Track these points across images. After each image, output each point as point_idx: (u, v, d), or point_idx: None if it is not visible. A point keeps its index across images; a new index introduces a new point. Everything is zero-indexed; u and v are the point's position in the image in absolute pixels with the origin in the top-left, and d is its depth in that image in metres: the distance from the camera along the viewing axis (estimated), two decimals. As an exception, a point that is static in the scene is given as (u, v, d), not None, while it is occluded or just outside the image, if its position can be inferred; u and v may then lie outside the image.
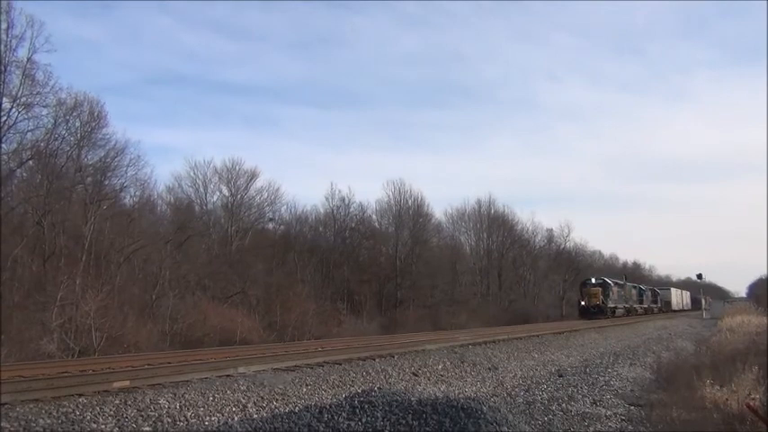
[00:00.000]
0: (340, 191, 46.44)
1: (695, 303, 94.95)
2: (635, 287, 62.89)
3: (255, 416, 8.88)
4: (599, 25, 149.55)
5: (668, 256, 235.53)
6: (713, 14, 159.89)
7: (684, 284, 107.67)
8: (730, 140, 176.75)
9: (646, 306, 64.49)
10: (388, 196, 49.68)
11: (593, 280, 50.60)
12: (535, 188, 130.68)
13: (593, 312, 46.53)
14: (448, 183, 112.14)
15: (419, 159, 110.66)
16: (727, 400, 11.31)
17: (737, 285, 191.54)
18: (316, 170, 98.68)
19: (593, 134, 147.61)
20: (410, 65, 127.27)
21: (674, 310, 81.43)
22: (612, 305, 50.09)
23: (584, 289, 49.60)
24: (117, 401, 8.72)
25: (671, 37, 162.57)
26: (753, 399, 10.81)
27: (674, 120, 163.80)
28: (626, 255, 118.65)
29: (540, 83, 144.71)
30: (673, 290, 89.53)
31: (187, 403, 9.05)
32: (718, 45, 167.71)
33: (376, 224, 49.68)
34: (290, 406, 9.55)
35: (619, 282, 56.76)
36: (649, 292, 70.34)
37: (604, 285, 49.68)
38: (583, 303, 48.33)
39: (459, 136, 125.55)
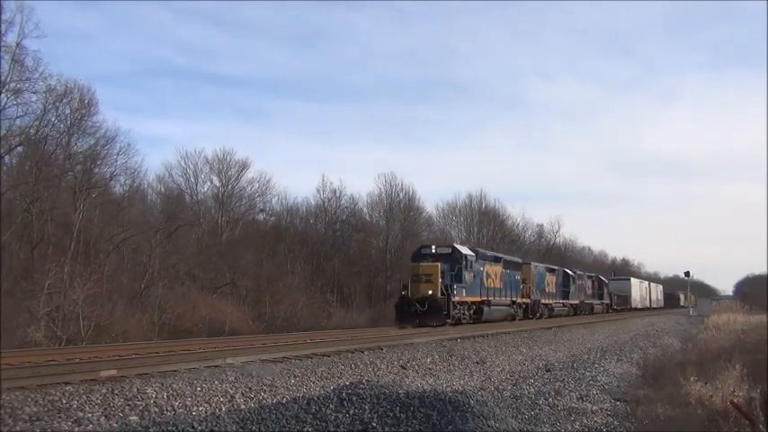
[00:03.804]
0: (331, 183, 46.39)
1: (669, 300, 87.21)
2: (552, 270, 41.44)
3: (243, 406, 8.88)
4: (589, 25, 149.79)
5: (657, 253, 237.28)
6: (702, 17, 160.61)
7: (672, 282, 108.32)
8: (718, 141, 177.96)
9: (576, 303, 45.05)
10: (380, 189, 49.63)
11: (434, 249, 26.95)
12: (526, 184, 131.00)
13: (423, 313, 24.41)
14: (439, 177, 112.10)
15: (411, 154, 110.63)
16: (711, 396, 11.44)
17: (725, 284, 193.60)
18: (307, 162, 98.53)
19: (584, 132, 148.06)
20: (403, 60, 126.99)
21: (637, 308, 65.02)
22: (472, 298, 27.34)
23: (412, 265, 26.58)
24: (104, 390, 8.69)
25: (660, 38, 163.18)
26: (737, 396, 10.92)
27: (663, 119, 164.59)
28: (615, 252, 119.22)
29: (531, 80, 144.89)
30: (634, 281, 70.57)
31: (174, 393, 9.04)
32: (707, 47, 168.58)
33: (367, 217, 49.68)
34: (278, 397, 9.55)
35: (505, 257, 33.52)
36: (589, 281, 51.56)
37: (451, 258, 26.40)
38: (403, 293, 25.46)
39: (452, 131, 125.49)
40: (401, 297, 25.44)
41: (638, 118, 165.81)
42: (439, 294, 24.63)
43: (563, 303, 42.37)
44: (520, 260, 36.70)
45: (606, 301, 55.63)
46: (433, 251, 26.74)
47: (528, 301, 34.79)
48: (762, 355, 16.29)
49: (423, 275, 25.18)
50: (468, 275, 26.94)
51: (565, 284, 43.23)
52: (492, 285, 29.76)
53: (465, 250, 28.00)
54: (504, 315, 31.11)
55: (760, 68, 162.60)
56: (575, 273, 46.27)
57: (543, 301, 37.97)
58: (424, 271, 25.33)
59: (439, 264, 25.41)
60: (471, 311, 27.56)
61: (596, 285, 53.30)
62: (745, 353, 17.98)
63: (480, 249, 31.80)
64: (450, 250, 27.20)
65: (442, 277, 25.18)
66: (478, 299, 28.04)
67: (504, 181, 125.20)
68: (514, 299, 32.54)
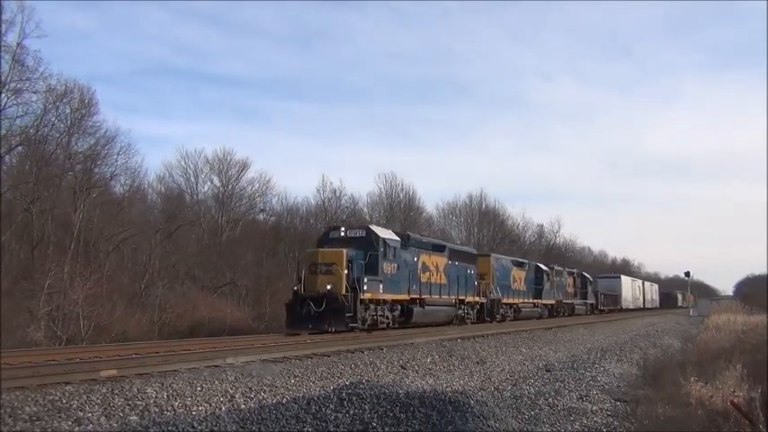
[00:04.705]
0: (331, 183, 46.33)
1: (667, 300, 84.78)
2: (521, 264, 36.00)
3: (243, 406, 8.88)
4: (589, 25, 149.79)
5: (657, 253, 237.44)
6: (702, 17, 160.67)
7: (672, 282, 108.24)
8: (718, 141, 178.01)
9: (551, 303, 39.40)
10: (380, 189, 49.67)
11: (343, 231, 21.26)
12: (526, 184, 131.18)
13: (319, 314, 18.49)
14: (439, 177, 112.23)
15: (411, 154, 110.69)
16: (711, 396, 11.44)
17: (725, 284, 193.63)
18: (307, 162, 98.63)
19: (584, 132, 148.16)
20: (403, 60, 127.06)
21: (629, 309, 59.91)
22: (395, 295, 21.43)
23: (308, 252, 21.31)
24: (104, 390, 8.69)
25: (660, 38, 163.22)
26: (737, 396, 10.92)
27: (663, 119, 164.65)
28: (615, 252, 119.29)
29: (531, 81, 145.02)
30: (625, 279, 64.59)
31: (174, 393, 9.03)
32: (707, 47, 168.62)
33: (367, 217, 49.63)
34: (278, 397, 9.54)
35: (452, 245, 28.57)
36: (570, 278, 44.84)
37: (365, 244, 20.57)
38: (295, 289, 19.55)
39: (452, 131, 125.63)
40: (293, 293, 19.38)
41: (638, 118, 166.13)
42: (343, 290, 18.72)
43: (534, 303, 36.29)
44: (474, 250, 31.47)
45: (590, 300, 49.87)
46: (342, 234, 20.93)
47: (483, 300, 28.84)
48: (762, 356, 16.30)
49: (321, 265, 19.24)
50: (388, 266, 20.98)
51: (537, 281, 37.02)
52: (430, 280, 23.77)
53: (385, 233, 21.89)
54: (447, 317, 25.30)
55: (760, 68, 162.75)
56: (550, 268, 40.31)
57: (507, 300, 31.92)
58: (324, 259, 19.34)
59: (345, 250, 19.43)
60: (396, 313, 21.71)
61: (579, 283, 47.00)
62: (745, 353, 17.99)
63: (414, 234, 25.81)
64: (363, 233, 21.01)
65: (349, 268, 19.25)
66: (406, 297, 21.96)
67: (504, 181, 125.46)
68: (463, 297, 26.39)
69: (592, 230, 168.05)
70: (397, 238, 22.31)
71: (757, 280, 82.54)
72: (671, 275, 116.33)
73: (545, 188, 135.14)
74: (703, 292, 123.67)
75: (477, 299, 28.13)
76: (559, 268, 43.17)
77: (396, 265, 21.50)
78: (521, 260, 37.57)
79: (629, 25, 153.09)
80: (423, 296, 22.98)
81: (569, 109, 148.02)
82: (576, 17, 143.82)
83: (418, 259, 23.22)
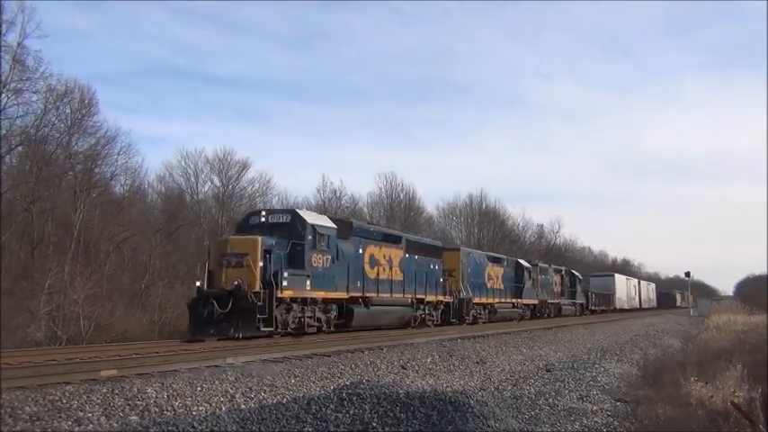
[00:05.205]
0: (332, 183, 46.37)
1: (665, 300, 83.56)
2: (498, 260, 32.94)
3: (243, 406, 8.88)
4: (589, 25, 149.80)
5: (657, 254, 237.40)
6: (702, 17, 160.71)
7: (672, 282, 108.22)
8: (718, 141, 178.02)
9: (534, 303, 36.12)
10: (380, 189, 49.68)
11: (264, 216, 18.05)
12: (526, 184, 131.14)
13: (226, 315, 15.31)
14: (439, 177, 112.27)
15: (411, 154, 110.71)
16: (711, 397, 11.45)
17: (725, 284, 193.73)
18: (307, 162, 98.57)
19: (584, 132, 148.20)
20: (403, 61, 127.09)
21: (623, 310, 57.59)
22: (330, 293, 18.16)
23: (218, 240, 18.80)
24: (104, 390, 8.68)
25: (660, 38, 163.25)
26: (737, 396, 10.92)
27: (663, 119, 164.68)
28: (616, 252, 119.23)
29: (531, 81, 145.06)
30: (619, 278, 61.57)
31: (175, 393, 9.03)
32: (707, 48, 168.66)
33: (367, 217, 49.69)
34: (279, 397, 9.54)
35: (410, 236, 25.32)
36: (557, 277, 41.84)
37: (289, 231, 17.33)
38: (198, 285, 16.28)
39: (452, 131, 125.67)
40: (197, 291, 16.10)
41: (638, 118, 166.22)
42: (256, 286, 15.51)
43: (513, 304, 33.07)
44: (440, 243, 28.21)
45: (580, 300, 46.60)
46: (263, 220, 17.75)
47: (450, 299, 25.81)
48: (762, 356, 16.30)
49: (231, 256, 16.01)
50: (319, 258, 17.71)
51: (517, 279, 33.92)
52: (380, 276, 20.72)
53: (316, 219, 18.43)
54: (401, 319, 22.14)
55: (760, 69, 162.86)
56: (533, 264, 37.30)
57: (479, 299, 28.79)
58: (234, 248, 16.13)
59: (260, 238, 16.25)
60: (331, 314, 18.36)
61: (567, 282, 43.95)
62: (745, 353, 18.00)
63: (360, 222, 23.12)
64: (288, 218, 17.75)
65: (267, 259, 16.10)
66: (344, 295, 18.79)
67: (504, 181, 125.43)
68: (423, 296, 23.21)
69: (592, 230, 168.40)
70: (333, 226, 18.83)
71: (757, 280, 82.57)
72: (671, 275, 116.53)
73: (545, 188, 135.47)
74: (703, 292, 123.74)
75: (441, 298, 24.98)
76: (544, 265, 40.23)
77: (330, 257, 18.19)
78: (498, 255, 34.41)
79: (629, 25, 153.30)
80: (368, 294, 19.93)
81: (569, 109, 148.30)
82: (576, 17, 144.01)
83: (364, 251, 20.20)
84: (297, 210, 19.48)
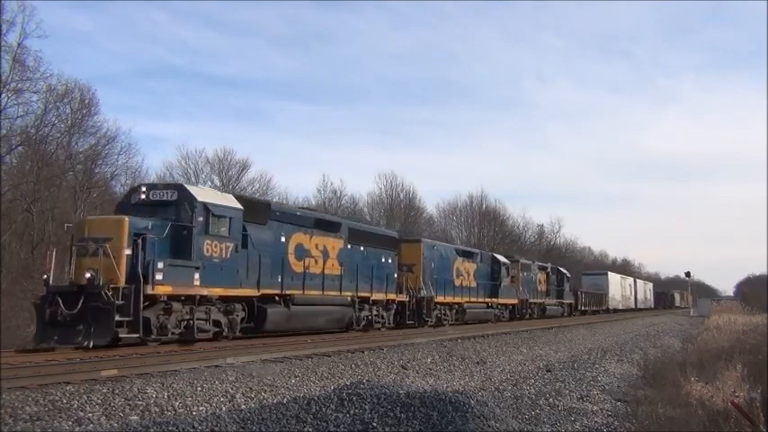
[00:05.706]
0: (332, 183, 46.39)
1: (663, 300, 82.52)
2: (470, 254, 29.57)
3: (243, 406, 8.88)
4: (586, 27, 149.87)
5: (657, 254, 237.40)
6: (701, 18, 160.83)
7: (672, 282, 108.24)
8: (718, 141, 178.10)
9: (513, 303, 32.66)
10: (380, 189, 49.70)
11: (145, 192, 14.47)
12: (527, 184, 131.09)
13: (73, 317, 12.15)
14: (440, 177, 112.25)
15: (411, 154, 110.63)
16: (711, 397, 11.45)
17: (725, 284, 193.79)
18: (307, 163, 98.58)
19: (583, 133, 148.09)
20: (402, 62, 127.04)
21: (618, 310, 54.77)
22: (232, 290, 14.87)
23: (78, 222, 15.87)
24: (104, 390, 8.69)
25: (658, 40, 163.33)
26: (737, 396, 10.92)
27: (662, 120, 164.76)
28: (616, 252, 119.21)
29: (529, 82, 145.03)
30: (613, 276, 57.98)
31: (175, 393, 9.04)
32: (706, 48, 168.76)
33: (367, 217, 49.70)
34: (279, 397, 9.55)
35: (354, 224, 22.46)
36: (542, 274, 38.75)
37: (174, 210, 14.14)
38: (45, 278, 13.32)
39: (452, 132, 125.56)
40: (45, 286, 13.28)
41: (637, 119, 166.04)
42: (122, 281, 12.64)
43: (487, 304, 29.60)
44: (395, 234, 24.85)
45: (568, 300, 43.30)
46: (143, 197, 14.38)
47: (404, 298, 22.62)
48: (762, 356, 16.31)
49: (90, 241, 12.87)
50: (213, 245, 14.43)
51: (493, 276, 30.55)
52: (309, 269, 17.74)
53: (210, 196, 14.98)
54: (335, 321, 19.07)
55: (760, 69, 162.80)
56: (513, 260, 33.65)
57: (446, 298, 25.48)
58: (93, 231, 13.04)
59: (127, 218, 13.20)
60: (236, 315, 15.25)
61: (553, 280, 40.65)
62: (745, 353, 17.99)
63: (282, 204, 19.90)
64: (174, 195, 14.36)
65: (136, 246, 12.94)
66: (252, 292, 15.60)
67: (504, 181, 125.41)
68: (368, 294, 20.15)
69: (592, 231, 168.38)
70: (237, 206, 15.28)
71: (757, 280, 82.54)
72: (671, 275, 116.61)
73: (545, 188, 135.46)
74: (703, 292, 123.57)
75: (393, 296, 21.82)
76: (527, 261, 36.91)
77: (232, 244, 14.87)
78: (470, 249, 31.10)
79: (628, 27, 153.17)
80: (290, 291, 16.78)
81: (569, 110, 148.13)
82: (575, 19, 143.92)
83: (288, 239, 17.17)
84: (186, 185, 15.41)
